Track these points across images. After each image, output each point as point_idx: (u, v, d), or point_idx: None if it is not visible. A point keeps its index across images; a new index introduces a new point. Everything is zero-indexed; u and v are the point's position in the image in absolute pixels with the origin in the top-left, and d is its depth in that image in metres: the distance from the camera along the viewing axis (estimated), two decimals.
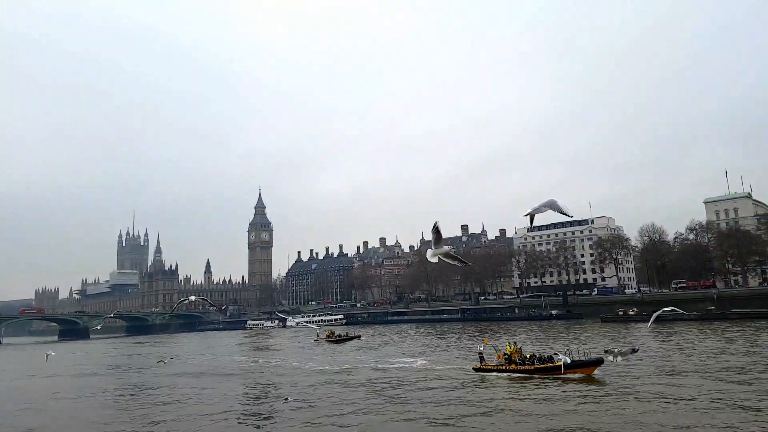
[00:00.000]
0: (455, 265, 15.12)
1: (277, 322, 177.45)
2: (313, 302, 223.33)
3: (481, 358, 41.09)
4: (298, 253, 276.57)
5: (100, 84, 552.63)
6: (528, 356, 39.10)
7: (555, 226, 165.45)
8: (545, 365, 37.30)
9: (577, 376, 36.04)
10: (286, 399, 33.15)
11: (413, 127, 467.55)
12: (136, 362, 70.89)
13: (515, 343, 41.97)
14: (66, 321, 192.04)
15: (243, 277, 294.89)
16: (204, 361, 61.85)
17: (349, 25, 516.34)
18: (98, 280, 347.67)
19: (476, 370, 40.41)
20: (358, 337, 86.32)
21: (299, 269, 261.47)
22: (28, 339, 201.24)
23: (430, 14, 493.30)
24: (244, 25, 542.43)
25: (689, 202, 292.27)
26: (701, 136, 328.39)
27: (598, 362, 37.16)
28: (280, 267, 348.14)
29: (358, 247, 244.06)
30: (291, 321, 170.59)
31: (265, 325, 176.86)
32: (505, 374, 38.03)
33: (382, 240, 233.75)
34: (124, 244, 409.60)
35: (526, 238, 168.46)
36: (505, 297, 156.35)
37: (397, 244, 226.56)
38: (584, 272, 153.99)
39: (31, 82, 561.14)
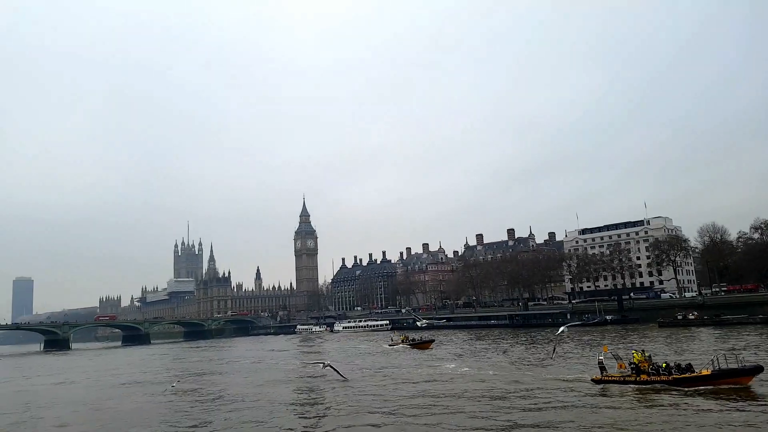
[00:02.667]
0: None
1: (324, 326, 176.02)
2: (359, 308, 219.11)
3: (603, 368, 34.14)
4: (342, 259, 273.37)
5: (150, 98, 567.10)
6: (663, 365, 32.24)
7: (608, 228, 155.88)
8: (685, 375, 30.54)
9: (727, 387, 29.25)
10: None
11: (453, 129, 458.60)
12: (210, 367, 66.88)
13: (643, 351, 34.96)
14: (129, 327, 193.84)
15: (291, 283, 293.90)
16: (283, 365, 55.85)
17: (384, 29, 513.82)
18: (157, 288, 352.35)
19: (596, 381, 33.53)
20: (432, 341, 77.91)
21: (344, 275, 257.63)
22: (95, 344, 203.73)
23: (475, 15, 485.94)
24: (283, 38, 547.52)
25: (753, 201, 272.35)
26: (761, 132, 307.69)
27: (757, 370, 30.22)
28: (325, 273, 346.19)
29: (401, 253, 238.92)
30: (338, 326, 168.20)
31: (313, 329, 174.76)
32: (634, 386, 31.35)
33: (425, 246, 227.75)
34: (179, 253, 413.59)
35: (577, 242, 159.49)
36: (556, 302, 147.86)
37: (441, 250, 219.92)
38: (640, 275, 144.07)
39: (87, 104, 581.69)
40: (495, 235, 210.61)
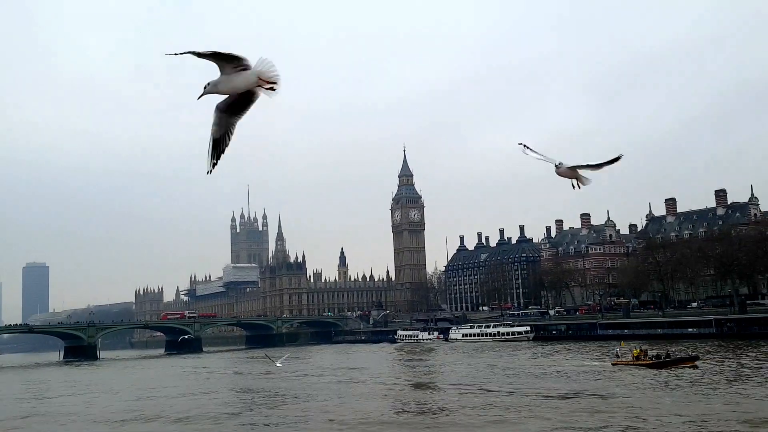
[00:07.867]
0: None
1: (436, 333, 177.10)
2: (485, 307, 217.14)
3: None
4: (461, 238, 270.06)
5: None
6: None
7: None
8: None
9: None
10: None
11: (654, 40, 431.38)
12: None
13: None
14: (174, 330, 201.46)
15: (388, 271, 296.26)
16: None
17: None
18: (209, 276, 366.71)
19: None
20: (697, 357, 70.37)
21: (462, 261, 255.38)
22: (130, 352, 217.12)
23: None
24: None
25: None
26: None
27: None
28: (436, 258, 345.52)
29: (548, 229, 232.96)
30: (456, 332, 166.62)
31: (420, 336, 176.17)
32: None
33: (585, 217, 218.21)
34: (238, 230, 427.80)
35: None
36: None
37: (609, 223, 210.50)
38: None
39: None
40: (694, 199, 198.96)
